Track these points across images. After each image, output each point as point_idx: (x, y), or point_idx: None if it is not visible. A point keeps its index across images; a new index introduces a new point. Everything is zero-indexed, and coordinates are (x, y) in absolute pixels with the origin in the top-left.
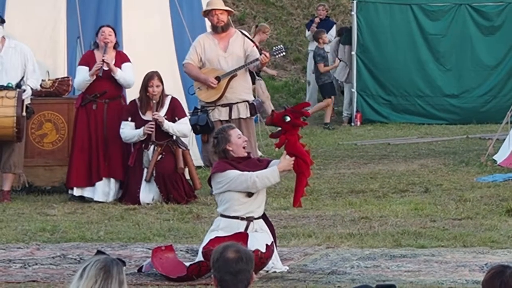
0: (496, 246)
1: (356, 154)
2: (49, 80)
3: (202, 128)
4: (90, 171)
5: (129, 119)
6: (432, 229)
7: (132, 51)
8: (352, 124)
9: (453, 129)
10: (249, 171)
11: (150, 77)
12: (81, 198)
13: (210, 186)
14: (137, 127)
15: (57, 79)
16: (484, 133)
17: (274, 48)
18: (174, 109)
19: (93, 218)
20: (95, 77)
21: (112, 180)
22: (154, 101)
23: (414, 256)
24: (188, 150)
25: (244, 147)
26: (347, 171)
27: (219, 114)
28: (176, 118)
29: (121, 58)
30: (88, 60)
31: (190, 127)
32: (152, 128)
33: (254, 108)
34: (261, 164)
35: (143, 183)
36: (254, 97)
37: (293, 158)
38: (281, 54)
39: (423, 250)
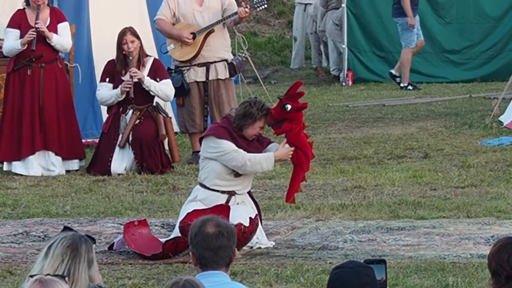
0: (503, 216)
1: (348, 117)
2: (1, 40)
3: (177, 90)
4: (21, 143)
5: (107, 80)
6: (432, 198)
7: (101, 9)
8: (343, 83)
9: (454, 88)
10: (246, 149)
11: (123, 34)
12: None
13: (200, 144)
14: (115, 88)
15: None
16: (488, 92)
17: (254, 0)
18: (156, 70)
19: (58, 191)
20: (26, 46)
21: (51, 153)
22: (131, 58)
23: (413, 228)
24: (170, 118)
25: (252, 137)
26: (338, 135)
27: (195, 75)
28: (158, 80)
29: (56, 17)
30: (18, 22)
31: (173, 89)
32: (129, 85)
33: (234, 68)
34: (260, 146)
35: (116, 150)
36: (234, 55)
37: (292, 148)
38: (262, 7)
39: (423, 222)
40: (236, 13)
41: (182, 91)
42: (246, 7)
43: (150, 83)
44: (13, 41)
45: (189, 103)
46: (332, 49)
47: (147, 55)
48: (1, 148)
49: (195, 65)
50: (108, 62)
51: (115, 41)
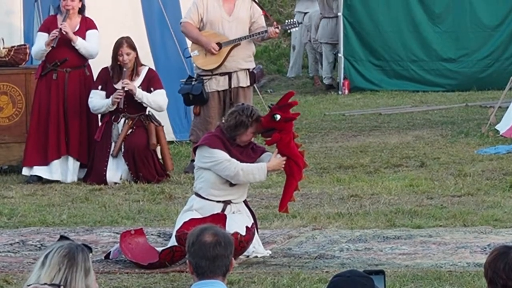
0: (500, 225)
1: (344, 126)
2: (4, 48)
3: (195, 98)
4: (48, 148)
5: (100, 87)
6: (429, 207)
7: (96, 17)
8: (339, 92)
9: (450, 96)
10: (239, 159)
11: (119, 45)
12: (40, 179)
13: (194, 153)
14: (108, 96)
15: (12, 47)
16: (485, 100)
17: (286, 21)
18: (150, 79)
19: (54, 200)
20: (51, 47)
21: (70, 158)
22: (125, 69)
23: (409, 237)
24: (162, 126)
25: (246, 143)
26: (335, 144)
27: (217, 84)
28: (152, 89)
29: (86, 25)
30: (49, 26)
31: (166, 100)
32: (120, 96)
33: (254, 77)
34: (254, 155)
35: (110, 159)
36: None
37: (284, 158)
38: (294, 29)
39: (419, 231)
40: (266, 31)
41: (200, 100)
42: (277, 27)
43: (142, 95)
44: (40, 44)
45: (206, 113)
46: (325, 57)
47: (141, 65)
48: (27, 153)
49: (217, 74)
50: (102, 69)
51: (110, 49)
